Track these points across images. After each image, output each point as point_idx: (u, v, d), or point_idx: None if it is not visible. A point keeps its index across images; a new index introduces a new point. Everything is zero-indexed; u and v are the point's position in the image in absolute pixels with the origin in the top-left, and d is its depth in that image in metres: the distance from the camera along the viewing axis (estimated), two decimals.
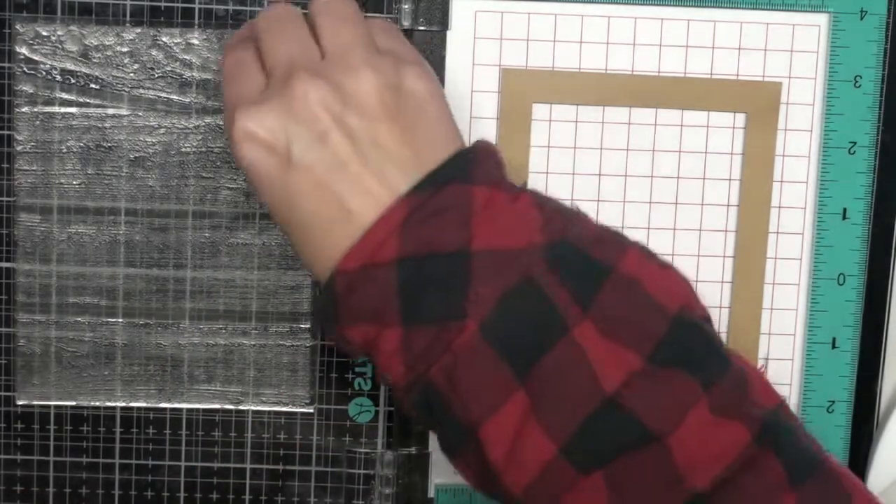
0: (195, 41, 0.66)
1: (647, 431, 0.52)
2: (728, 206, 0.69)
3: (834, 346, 0.69)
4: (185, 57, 0.66)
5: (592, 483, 0.53)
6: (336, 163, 0.54)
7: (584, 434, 0.52)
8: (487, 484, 0.55)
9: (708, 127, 0.68)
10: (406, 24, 0.66)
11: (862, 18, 0.67)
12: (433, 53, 0.66)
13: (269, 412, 0.69)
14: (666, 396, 0.53)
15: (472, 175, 0.54)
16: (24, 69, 0.65)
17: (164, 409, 0.68)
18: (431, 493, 0.70)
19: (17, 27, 0.65)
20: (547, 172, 0.68)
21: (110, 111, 0.66)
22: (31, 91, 0.65)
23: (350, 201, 0.54)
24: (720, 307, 0.69)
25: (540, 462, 0.53)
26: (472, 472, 0.55)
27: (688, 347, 0.54)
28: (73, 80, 0.65)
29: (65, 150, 0.66)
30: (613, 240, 0.56)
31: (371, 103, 0.54)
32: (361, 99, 0.54)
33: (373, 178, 0.54)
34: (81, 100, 0.65)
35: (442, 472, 0.69)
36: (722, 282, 0.69)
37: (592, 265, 0.54)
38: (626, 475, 0.53)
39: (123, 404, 0.68)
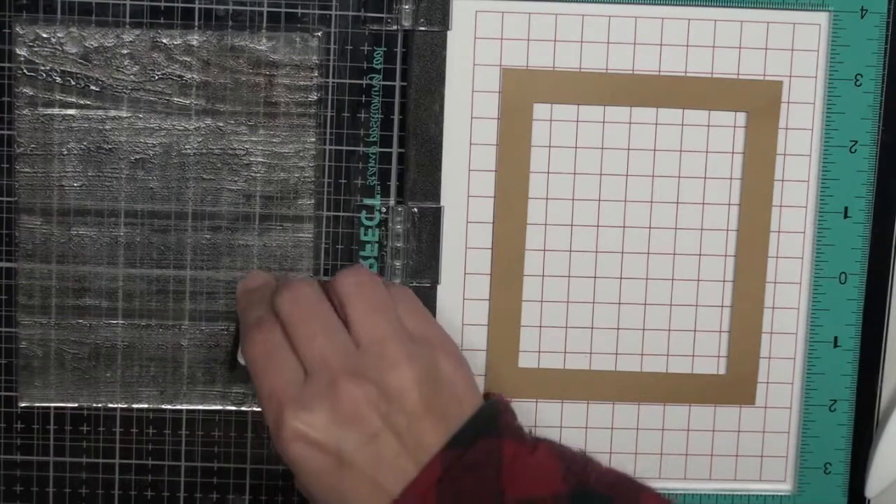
0: (195, 42, 0.66)
1: None
2: (729, 205, 0.69)
3: (836, 345, 0.69)
4: (185, 58, 0.66)
5: None
6: (386, 461, 0.56)
7: None
8: None
9: (709, 126, 0.68)
10: (406, 24, 0.66)
11: (862, 17, 0.67)
12: (434, 53, 0.66)
13: None
14: None
15: (499, 429, 0.57)
16: (25, 71, 0.65)
17: (165, 409, 0.68)
18: None
19: (18, 29, 0.65)
20: (548, 172, 0.68)
21: (111, 113, 0.66)
22: (31, 93, 0.65)
23: (394, 489, 0.56)
24: (721, 306, 0.69)
25: None
26: None
27: None
28: (73, 82, 0.65)
29: (65, 152, 0.66)
30: (628, 484, 0.58)
31: (413, 400, 0.57)
32: (405, 397, 0.57)
33: (416, 467, 0.56)
34: (81, 102, 0.65)
35: None
36: (723, 281, 0.69)
37: None
38: None
39: (125, 405, 0.68)
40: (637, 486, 0.58)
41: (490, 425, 0.57)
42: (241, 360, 0.62)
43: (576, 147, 0.68)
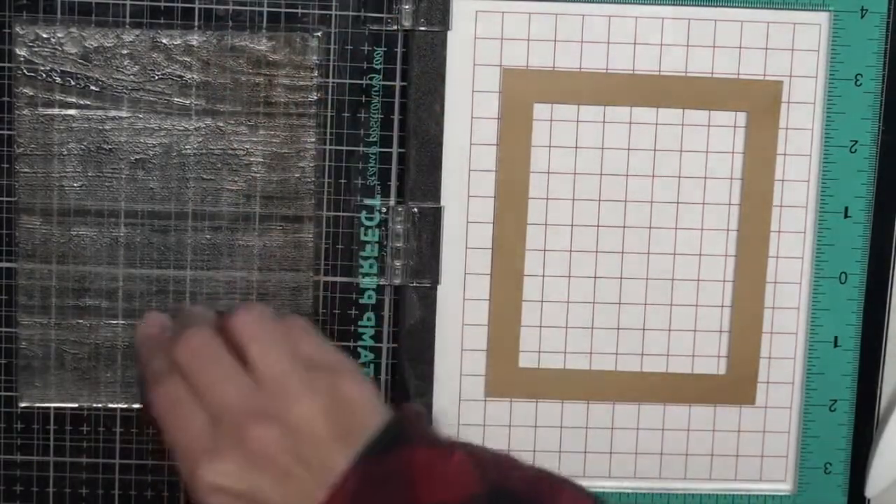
0: (195, 42, 0.66)
1: None
2: (729, 205, 0.69)
3: (836, 345, 0.69)
4: (185, 58, 0.66)
5: None
6: (300, 493, 0.56)
7: None
8: None
9: (709, 126, 0.68)
10: (407, 24, 0.66)
11: (862, 17, 0.67)
12: (434, 53, 0.66)
13: None
14: None
15: (408, 438, 0.57)
16: (24, 71, 0.65)
17: None
18: None
19: (18, 29, 0.65)
20: (548, 172, 0.68)
21: (111, 113, 0.66)
22: (31, 93, 0.65)
23: None
24: (722, 306, 0.69)
25: None
26: None
27: None
28: (73, 83, 0.65)
29: (65, 153, 0.66)
30: (548, 482, 0.58)
31: (319, 428, 0.56)
32: (310, 428, 0.56)
33: (326, 492, 0.56)
34: (82, 102, 0.65)
35: None
36: (724, 281, 0.69)
37: None
38: None
39: (125, 405, 0.68)
40: (558, 482, 0.58)
41: (399, 436, 0.57)
42: None
43: (576, 147, 0.68)
